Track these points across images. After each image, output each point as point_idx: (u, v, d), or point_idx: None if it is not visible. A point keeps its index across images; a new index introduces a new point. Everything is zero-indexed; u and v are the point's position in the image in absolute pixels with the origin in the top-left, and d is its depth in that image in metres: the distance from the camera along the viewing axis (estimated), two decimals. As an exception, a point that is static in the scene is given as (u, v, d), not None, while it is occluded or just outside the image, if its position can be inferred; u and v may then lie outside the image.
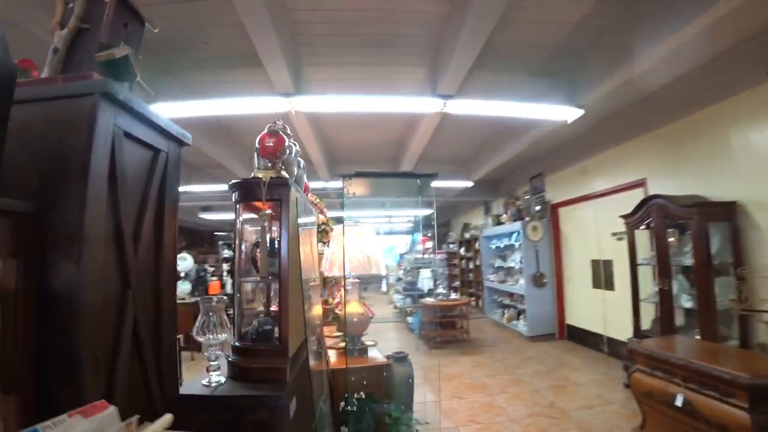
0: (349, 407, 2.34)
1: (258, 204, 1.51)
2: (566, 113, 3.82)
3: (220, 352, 1.38)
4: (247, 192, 1.52)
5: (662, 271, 3.40)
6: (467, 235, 10.45)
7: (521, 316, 6.52)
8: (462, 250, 11.00)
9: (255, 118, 3.56)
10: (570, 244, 5.92)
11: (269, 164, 1.57)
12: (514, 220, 6.58)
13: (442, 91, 3.41)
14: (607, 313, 4.97)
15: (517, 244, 6.56)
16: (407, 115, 4.34)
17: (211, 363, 1.32)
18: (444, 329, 6.08)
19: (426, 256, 8.30)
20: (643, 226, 3.72)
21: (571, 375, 4.33)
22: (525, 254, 6.14)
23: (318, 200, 3.72)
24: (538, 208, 6.37)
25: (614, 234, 4.82)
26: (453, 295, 6.22)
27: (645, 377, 2.57)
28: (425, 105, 3.67)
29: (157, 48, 3.00)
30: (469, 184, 7.06)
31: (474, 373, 4.58)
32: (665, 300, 3.36)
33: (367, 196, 3.26)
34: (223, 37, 3.09)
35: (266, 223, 1.51)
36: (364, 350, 2.74)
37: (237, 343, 1.47)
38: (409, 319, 7.40)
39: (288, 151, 1.64)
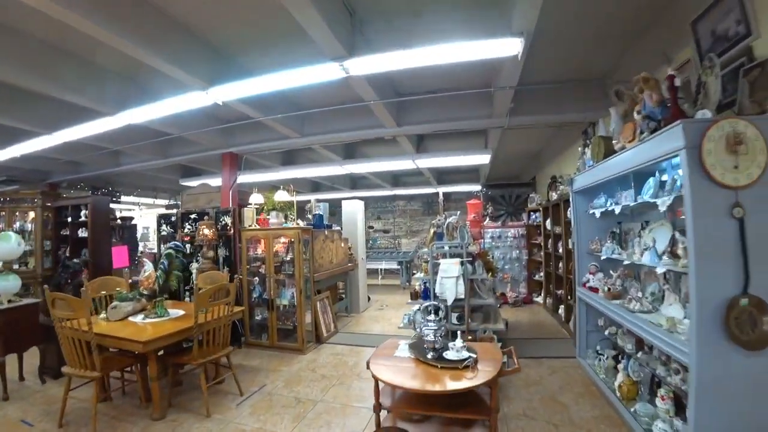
0: None
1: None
2: None
3: None
4: None
5: None
6: (554, 195, 6.07)
7: (678, 413, 2.33)
8: (548, 222, 6.65)
9: None
10: None
11: None
12: (654, 130, 2.26)
13: None
14: None
15: (662, 203, 2.33)
16: None
17: None
18: (436, 425, 2.34)
19: (454, 235, 4.37)
20: None
21: None
22: (697, 228, 1.86)
23: None
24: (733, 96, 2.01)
25: None
26: (456, 349, 2.31)
27: None
28: None
29: None
30: (514, 47, 2.82)
31: None
32: None
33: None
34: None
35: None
36: None
37: None
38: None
39: None
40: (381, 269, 10.84)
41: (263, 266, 4.75)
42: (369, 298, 7.54)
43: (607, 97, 4.52)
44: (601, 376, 3.47)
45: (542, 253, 7.06)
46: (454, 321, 4.15)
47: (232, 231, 4.89)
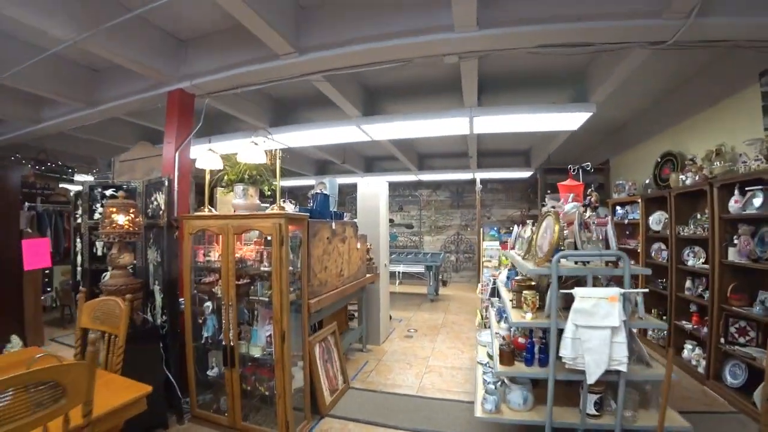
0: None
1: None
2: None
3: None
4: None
5: None
6: (686, 178, 3.91)
7: None
8: (652, 220, 4.55)
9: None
10: None
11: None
12: None
13: None
14: None
15: None
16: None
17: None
18: None
19: (585, 238, 2.27)
20: None
21: None
22: None
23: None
24: None
25: None
26: None
27: None
28: None
29: None
30: None
31: None
32: None
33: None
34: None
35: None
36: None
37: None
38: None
39: None
40: (399, 272, 8.77)
41: (220, 282, 2.66)
42: (390, 317, 5.47)
43: None
44: None
45: (646, 265, 4.97)
46: (591, 409, 2.05)
47: (165, 219, 2.78)
